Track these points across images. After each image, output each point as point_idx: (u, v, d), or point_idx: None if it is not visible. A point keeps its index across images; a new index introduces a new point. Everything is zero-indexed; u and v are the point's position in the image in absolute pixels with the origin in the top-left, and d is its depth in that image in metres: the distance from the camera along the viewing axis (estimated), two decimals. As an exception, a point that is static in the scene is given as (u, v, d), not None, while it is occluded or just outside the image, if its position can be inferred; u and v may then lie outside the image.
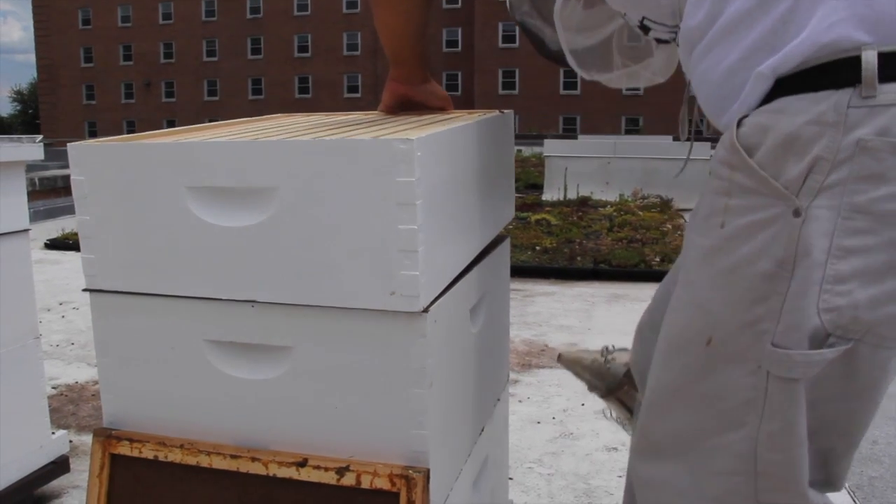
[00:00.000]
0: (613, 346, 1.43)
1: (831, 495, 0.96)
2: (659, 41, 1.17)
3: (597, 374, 1.42)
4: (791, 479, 0.89)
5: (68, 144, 1.07)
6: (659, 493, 0.98)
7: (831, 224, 0.82)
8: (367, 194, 0.93)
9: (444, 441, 1.07)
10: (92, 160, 1.06)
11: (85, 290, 1.09)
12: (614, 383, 1.41)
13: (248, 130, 1.17)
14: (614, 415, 1.50)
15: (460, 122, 1.15)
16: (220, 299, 1.02)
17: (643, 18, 1.11)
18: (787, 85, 0.85)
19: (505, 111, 1.41)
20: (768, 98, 0.87)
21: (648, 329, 1.27)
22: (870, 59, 0.80)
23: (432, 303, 0.98)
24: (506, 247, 1.46)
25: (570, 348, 1.45)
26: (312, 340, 1.00)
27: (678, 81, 1.21)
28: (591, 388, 1.46)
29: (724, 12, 0.91)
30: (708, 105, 0.98)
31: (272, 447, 1.04)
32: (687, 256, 0.97)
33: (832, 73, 0.82)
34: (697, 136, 1.20)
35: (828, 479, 0.96)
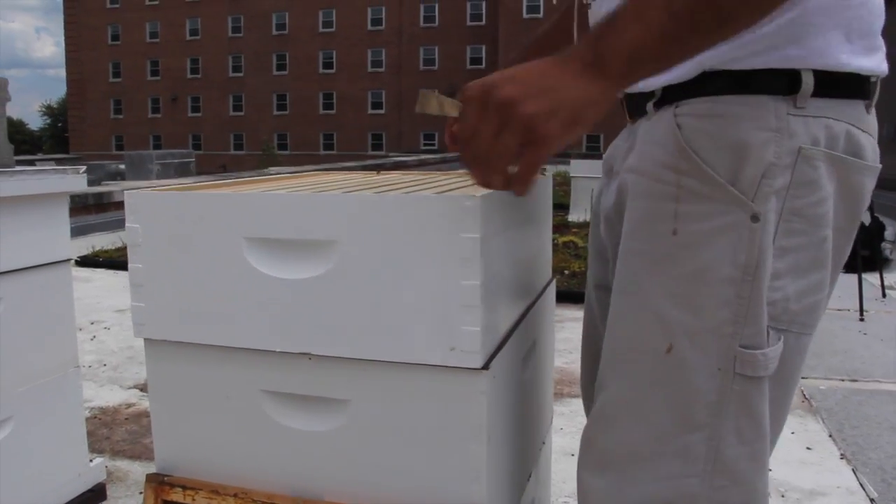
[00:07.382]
0: None
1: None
2: None
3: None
4: (752, 471, 0.91)
5: (125, 192, 1.08)
6: (604, 502, 0.95)
7: (774, 226, 0.87)
8: (430, 249, 0.92)
9: (498, 492, 1.06)
10: (148, 208, 1.06)
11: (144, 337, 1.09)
12: None
13: (306, 185, 1.17)
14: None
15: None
16: (276, 351, 1.02)
17: None
18: (716, 80, 0.88)
19: (544, 174, 1.41)
20: (695, 84, 0.89)
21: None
22: (808, 77, 0.85)
23: (491, 358, 0.97)
24: (552, 290, 1.45)
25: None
26: (370, 394, 1.00)
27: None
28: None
29: None
30: None
31: (327, 498, 1.04)
32: (627, 263, 0.95)
33: (769, 80, 0.86)
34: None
35: None
